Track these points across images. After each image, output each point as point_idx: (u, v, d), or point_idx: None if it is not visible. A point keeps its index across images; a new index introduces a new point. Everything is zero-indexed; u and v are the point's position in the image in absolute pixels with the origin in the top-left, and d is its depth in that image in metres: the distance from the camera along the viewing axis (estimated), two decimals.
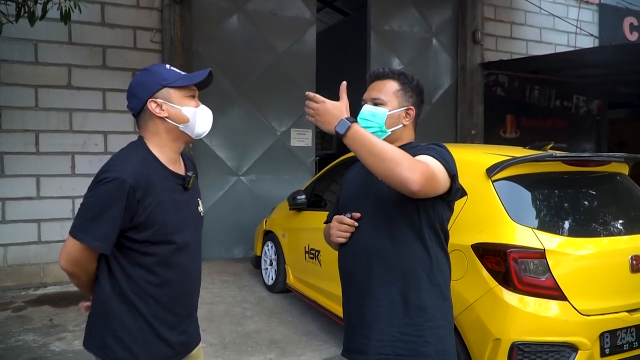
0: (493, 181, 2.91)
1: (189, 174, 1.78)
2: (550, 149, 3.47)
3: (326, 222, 2.04)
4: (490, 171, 2.91)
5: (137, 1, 6.07)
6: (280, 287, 5.17)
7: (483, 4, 8.27)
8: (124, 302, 1.65)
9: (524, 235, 2.70)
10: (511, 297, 2.62)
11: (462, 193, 1.84)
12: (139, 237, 1.62)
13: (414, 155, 1.60)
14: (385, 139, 1.72)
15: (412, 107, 1.83)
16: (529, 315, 2.60)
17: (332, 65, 8.55)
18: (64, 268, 1.66)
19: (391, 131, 1.79)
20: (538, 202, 3.03)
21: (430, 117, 8.31)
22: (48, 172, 5.63)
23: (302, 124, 7.23)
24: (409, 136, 1.86)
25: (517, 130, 8.40)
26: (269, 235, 5.52)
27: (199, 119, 1.75)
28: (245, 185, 6.98)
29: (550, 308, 2.61)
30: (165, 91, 1.70)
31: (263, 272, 5.59)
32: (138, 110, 1.71)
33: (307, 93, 1.63)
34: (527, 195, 3.03)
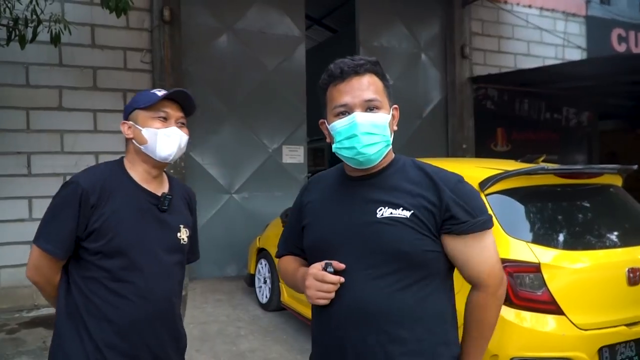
0: (486, 195, 2.90)
1: (167, 195, 1.73)
2: (543, 161, 3.49)
3: (278, 256, 1.70)
4: (483, 185, 2.91)
5: (127, 22, 6.09)
6: (275, 305, 5.12)
7: (470, 18, 8.37)
8: (76, 322, 1.58)
9: (518, 249, 2.70)
10: (507, 312, 2.60)
11: None
12: (93, 247, 1.58)
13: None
14: (387, 155, 1.44)
15: (396, 105, 1.48)
16: (526, 331, 2.58)
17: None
18: (28, 277, 1.66)
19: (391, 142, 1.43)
20: (532, 215, 3.03)
21: (421, 132, 8.35)
22: (40, 194, 5.57)
23: (294, 141, 7.23)
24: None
25: (508, 143, 8.46)
26: (262, 253, 5.48)
27: (160, 141, 1.67)
28: (237, 202, 6.95)
29: (548, 323, 2.59)
30: (135, 113, 1.71)
31: (257, 290, 5.54)
32: None
33: None
34: (520, 208, 3.03)
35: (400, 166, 1.47)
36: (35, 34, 4.75)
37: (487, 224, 1.40)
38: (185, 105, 1.77)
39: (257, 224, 6.22)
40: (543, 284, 2.62)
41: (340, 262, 1.37)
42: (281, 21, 7.33)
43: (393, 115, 1.45)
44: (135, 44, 6.18)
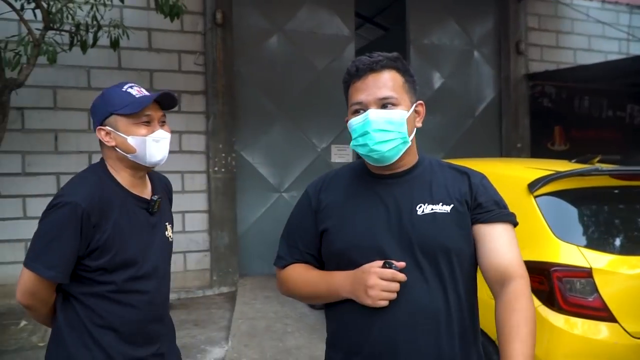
0: (535, 197, 2.82)
1: (155, 197, 1.69)
2: (599, 162, 3.34)
3: (282, 265, 1.62)
4: (532, 186, 2.82)
5: (182, 26, 6.30)
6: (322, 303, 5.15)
7: (526, 13, 8.10)
8: (79, 332, 1.55)
9: (569, 253, 2.60)
10: (556, 318, 2.52)
11: None
12: (95, 265, 1.53)
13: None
14: (405, 153, 1.40)
15: (421, 102, 1.45)
16: (574, 337, 2.49)
17: None
18: (21, 302, 1.55)
19: (411, 140, 1.40)
20: (584, 218, 2.91)
21: (474, 131, 8.17)
22: None
23: (343, 140, 7.25)
24: (414, 144, 1.45)
25: (567, 142, 8.12)
26: None
27: (150, 148, 1.59)
28: (287, 201, 7.04)
29: (598, 330, 2.49)
30: (113, 119, 1.59)
31: None
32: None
33: None
34: (572, 211, 2.92)
35: (427, 165, 1.47)
36: (95, 39, 5.00)
37: (513, 218, 1.41)
38: (164, 102, 1.66)
39: None
40: (595, 289, 2.51)
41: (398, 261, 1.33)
42: (331, 21, 7.36)
43: (417, 112, 1.43)
44: (189, 47, 6.38)
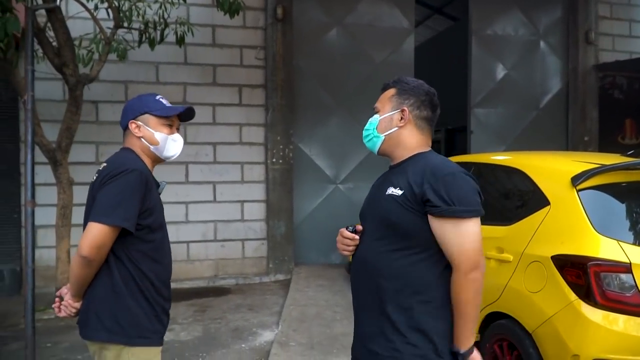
0: (578, 190, 2.77)
1: (164, 182, 2.09)
2: None
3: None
4: (576, 180, 2.78)
5: (244, 22, 6.56)
6: None
7: (597, 1, 7.72)
8: (131, 285, 1.86)
9: (608, 247, 2.55)
10: (592, 313, 2.49)
11: None
12: (144, 223, 1.87)
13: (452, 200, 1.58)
14: (383, 144, 1.82)
15: (405, 108, 1.77)
16: (611, 332, 2.45)
17: (433, 74, 8.48)
18: (87, 255, 1.76)
19: (385, 135, 1.79)
20: (628, 213, 2.82)
21: (538, 123, 7.92)
22: (166, 180, 6.23)
23: None
24: (414, 141, 1.79)
25: (638, 135, 7.69)
26: None
27: (169, 144, 2.02)
28: (342, 192, 7.17)
29: (637, 326, 2.43)
30: (146, 116, 2.00)
31: None
32: (124, 127, 2.02)
33: None
34: (615, 205, 2.85)
35: (416, 160, 1.76)
36: (162, 36, 5.34)
37: (459, 213, 1.58)
38: (185, 114, 2.08)
39: None
40: (634, 285, 2.46)
41: (363, 227, 1.80)
42: (390, 13, 7.37)
43: (396, 116, 1.79)
44: (251, 42, 6.64)
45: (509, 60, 7.87)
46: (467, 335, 1.63)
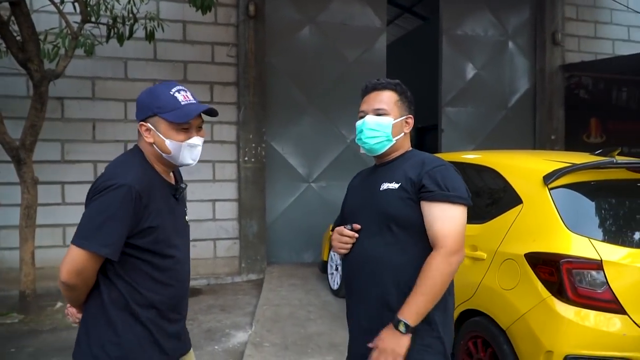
0: (550, 189, 2.82)
1: (182, 185, 1.84)
2: (619, 154, 3.29)
3: (333, 230, 2.03)
4: (547, 178, 2.83)
5: (215, 18, 6.46)
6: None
7: (564, 3, 7.91)
8: (123, 310, 1.64)
9: (579, 245, 2.60)
10: (565, 309, 2.53)
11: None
12: (141, 243, 1.62)
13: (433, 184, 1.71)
14: (389, 148, 1.89)
15: (411, 116, 1.93)
16: (583, 328, 2.49)
17: (404, 72, 8.53)
18: (66, 281, 1.59)
19: (396, 140, 1.88)
20: (598, 211, 2.88)
21: (507, 123, 8.07)
22: None
23: None
24: (407, 144, 1.95)
25: (603, 134, 7.89)
26: None
27: (184, 151, 1.70)
28: (315, 191, 7.16)
29: (608, 322, 2.48)
30: (156, 119, 1.68)
31: (329, 277, 5.70)
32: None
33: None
34: (586, 203, 2.90)
35: (408, 157, 1.89)
36: (131, 32, 5.20)
37: (452, 198, 1.70)
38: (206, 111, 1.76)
39: (334, 212, 6.24)
40: (605, 282, 2.51)
41: (357, 224, 1.86)
42: (363, 12, 7.38)
43: (406, 122, 1.92)
44: (222, 39, 6.54)
45: (479, 60, 7.99)
46: (419, 313, 1.64)
